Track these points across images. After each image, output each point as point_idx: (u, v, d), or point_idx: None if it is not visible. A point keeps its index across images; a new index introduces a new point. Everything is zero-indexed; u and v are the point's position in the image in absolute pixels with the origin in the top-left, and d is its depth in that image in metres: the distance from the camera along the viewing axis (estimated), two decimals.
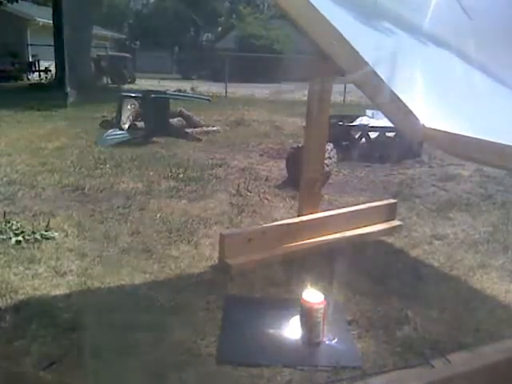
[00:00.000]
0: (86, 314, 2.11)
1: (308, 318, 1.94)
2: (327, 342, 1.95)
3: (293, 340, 1.97)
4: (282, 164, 4.88)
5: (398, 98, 1.97)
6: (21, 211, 3.42)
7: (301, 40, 15.84)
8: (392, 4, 2.33)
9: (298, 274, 2.51)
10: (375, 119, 6.26)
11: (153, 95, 6.97)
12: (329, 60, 2.66)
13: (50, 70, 17.43)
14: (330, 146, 4.48)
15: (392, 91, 1.97)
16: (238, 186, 4.27)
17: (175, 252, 2.84)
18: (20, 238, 2.90)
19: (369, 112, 6.69)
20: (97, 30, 20.10)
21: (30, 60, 19.47)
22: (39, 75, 18.43)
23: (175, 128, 6.97)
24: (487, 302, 2.38)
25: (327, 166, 4.19)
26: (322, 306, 1.92)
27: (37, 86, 14.96)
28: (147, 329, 2.01)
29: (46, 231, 3.01)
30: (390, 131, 5.66)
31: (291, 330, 2.02)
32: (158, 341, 1.93)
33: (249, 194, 4.16)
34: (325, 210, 3.22)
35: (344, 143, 5.83)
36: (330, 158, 4.43)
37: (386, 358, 1.88)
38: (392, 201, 3.55)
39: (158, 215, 3.47)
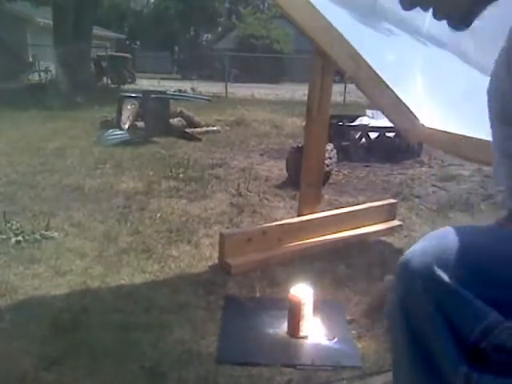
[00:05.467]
0: (85, 314, 2.11)
1: (294, 313, 1.96)
2: (327, 342, 1.95)
3: (293, 340, 1.98)
4: (282, 164, 4.88)
5: (398, 98, 1.97)
6: (21, 211, 3.42)
7: (301, 40, 15.84)
8: (392, 4, 2.33)
9: (297, 274, 2.51)
10: (375, 119, 6.26)
11: (153, 95, 6.98)
12: (329, 60, 2.67)
13: (50, 71, 17.43)
14: (330, 146, 4.48)
15: (392, 91, 1.97)
16: (238, 185, 4.27)
17: (175, 252, 2.84)
18: (20, 237, 2.90)
19: (369, 112, 6.69)
20: (97, 30, 20.10)
21: (30, 60, 19.48)
22: (39, 75, 18.43)
23: (175, 128, 6.97)
24: None
25: (327, 166, 4.19)
26: (309, 300, 1.93)
27: (37, 86, 14.96)
28: (147, 328, 2.01)
29: (45, 231, 3.01)
30: (390, 131, 5.67)
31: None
32: (157, 340, 1.93)
33: (249, 193, 4.16)
34: (325, 210, 3.22)
35: (344, 143, 5.83)
36: (330, 158, 4.44)
37: (386, 357, 1.87)
38: (392, 201, 3.55)
39: (158, 215, 3.47)
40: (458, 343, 0.71)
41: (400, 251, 3.01)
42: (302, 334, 1.98)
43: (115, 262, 2.66)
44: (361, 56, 1.92)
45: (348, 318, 2.16)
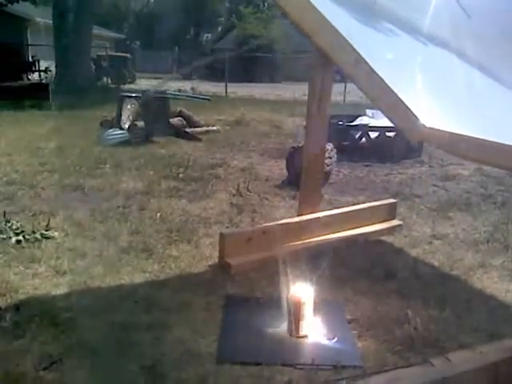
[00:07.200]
0: (86, 314, 2.11)
1: (294, 312, 1.96)
2: (327, 341, 1.95)
3: (293, 339, 1.98)
4: (282, 164, 4.88)
5: (398, 97, 1.97)
6: (21, 211, 3.42)
7: (301, 40, 15.85)
8: (392, 4, 2.33)
9: (297, 274, 2.51)
10: (375, 119, 6.26)
11: (153, 95, 6.97)
12: (329, 60, 2.66)
13: (50, 70, 17.42)
14: (330, 146, 4.48)
15: (392, 91, 1.97)
16: (238, 185, 4.27)
17: (175, 251, 2.84)
18: (20, 237, 2.90)
19: (369, 112, 6.68)
20: (97, 30, 20.07)
21: (30, 60, 19.46)
22: (39, 75, 18.42)
23: (175, 128, 6.96)
24: (487, 302, 2.38)
25: (327, 165, 4.19)
26: (309, 300, 1.94)
27: (37, 86, 14.93)
28: (147, 328, 2.01)
29: (46, 231, 3.01)
30: (390, 131, 5.66)
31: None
32: (158, 340, 1.93)
33: (249, 193, 4.16)
34: (325, 210, 3.22)
35: (344, 143, 5.83)
36: (330, 157, 4.43)
37: (386, 357, 1.88)
38: (392, 200, 3.55)
39: (158, 215, 3.46)
40: None
41: (400, 251, 3.02)
42: (302, 333, 1.98)
43: (115, 262, 2.66)
44: (361, 56, 1.91)
45: (348, 317, 2.16)
